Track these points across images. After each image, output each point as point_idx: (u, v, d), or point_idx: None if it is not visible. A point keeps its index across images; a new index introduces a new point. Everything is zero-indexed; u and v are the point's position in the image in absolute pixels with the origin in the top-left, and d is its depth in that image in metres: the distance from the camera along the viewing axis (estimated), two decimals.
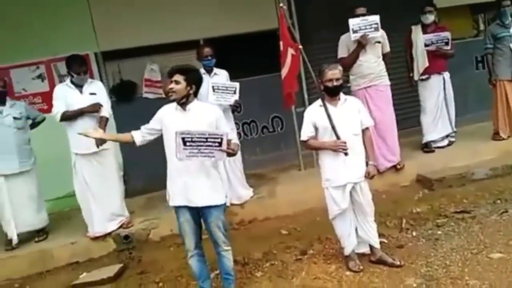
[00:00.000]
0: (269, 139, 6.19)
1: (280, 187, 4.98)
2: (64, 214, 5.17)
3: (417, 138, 5.50)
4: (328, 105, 3.22)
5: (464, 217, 3.98)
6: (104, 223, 4.18)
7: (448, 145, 5.38)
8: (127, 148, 5.52)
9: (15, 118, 4.24)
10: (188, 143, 2.72)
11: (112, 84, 5.73)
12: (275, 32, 4.96)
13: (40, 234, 4.42)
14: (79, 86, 4.14)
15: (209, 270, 3.26)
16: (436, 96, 5.27)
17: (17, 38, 5.18)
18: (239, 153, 4.58)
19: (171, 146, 2.82)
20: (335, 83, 3.15)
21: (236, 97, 4.29)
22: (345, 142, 3.14)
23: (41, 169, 4.55)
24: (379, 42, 4.61)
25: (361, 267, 3.31)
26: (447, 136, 5.37)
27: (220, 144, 2.74)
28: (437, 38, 5.12)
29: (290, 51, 3.92)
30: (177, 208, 2.97)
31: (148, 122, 3.06)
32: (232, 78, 5.78)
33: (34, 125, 4.61)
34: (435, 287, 2.96)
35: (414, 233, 3.84)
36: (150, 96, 5.72)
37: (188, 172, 2.88)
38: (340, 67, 3.20)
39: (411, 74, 5.40)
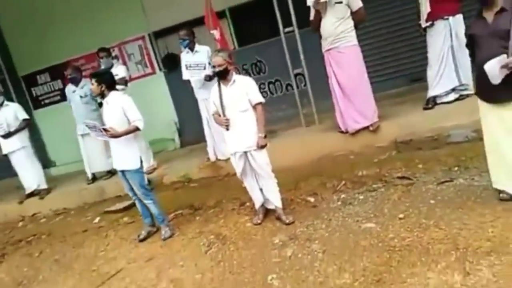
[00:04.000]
0: (292, 96, 6.51)
1: (272, 142, 5.52)
2: None
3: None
4: (222, 85, 3.78)
5: (400, 183, 3.94)
6: None
7: (457, 99, 4.80)
8: (181, 108, 7.04)
9: (80, 96, 6.09)
10: (91, 128, 3.97)
11: (161, 58, 7.10)
12: None
13: (107, 174, 6.37)
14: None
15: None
16: (440, 45, 4.69)
17: (94, 31, 7.01)
18: None
19: None
20: (217, 69, 3.66)
21: (206, 71, 5.02)
22: (227, 119, 3.70)
23: None
24: (339, 2, 4.42)
25: (259, 221, 3.93)
26: (453, 89, 4.79)
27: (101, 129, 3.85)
28: None
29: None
30: None
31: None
32: (255, 40, 6.47)
33: None
34: (287, 244, 3.42)
35: (342, 196, 4.06)
36: None
37: (112, 142, 4.04)
38: (221, 54, 3.63)
39: (419, 22, 4.90)
